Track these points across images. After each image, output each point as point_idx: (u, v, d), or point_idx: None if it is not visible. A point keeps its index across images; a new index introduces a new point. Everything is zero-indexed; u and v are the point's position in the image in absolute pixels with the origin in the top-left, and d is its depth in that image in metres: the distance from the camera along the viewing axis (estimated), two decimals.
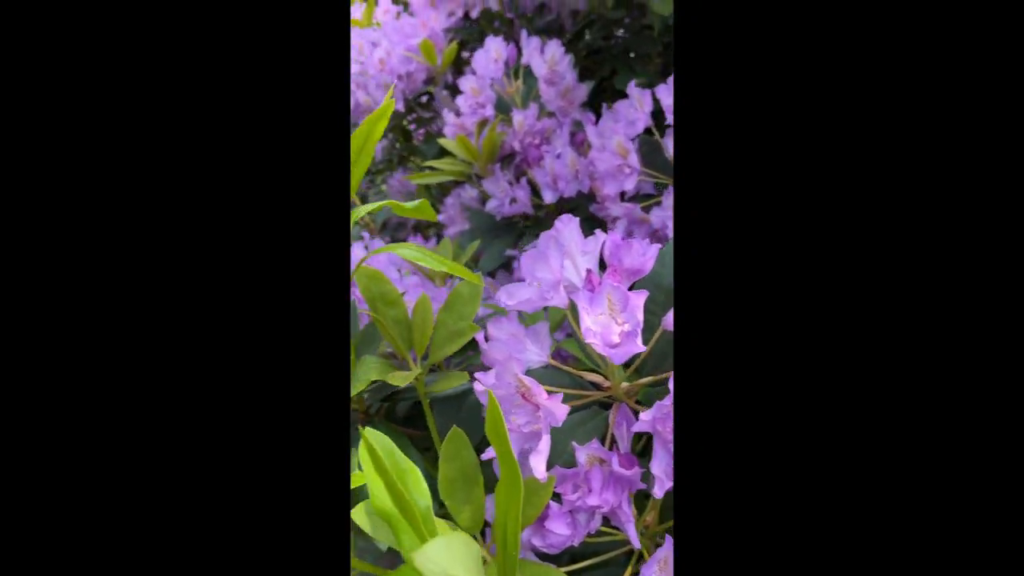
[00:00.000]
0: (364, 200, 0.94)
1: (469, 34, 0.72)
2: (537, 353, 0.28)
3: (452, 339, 0.29)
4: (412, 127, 0.82)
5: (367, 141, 0.23)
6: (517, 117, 0.51)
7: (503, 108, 0.56)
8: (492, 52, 0.53)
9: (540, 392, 0.22)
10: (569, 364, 0.30)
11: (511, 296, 0.25)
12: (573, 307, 0.26)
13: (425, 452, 0.36)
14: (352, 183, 0.25)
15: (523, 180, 0.52)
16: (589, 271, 0.25)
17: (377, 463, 0.16)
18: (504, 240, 0.56)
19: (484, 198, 0.64)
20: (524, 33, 0.55)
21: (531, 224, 0.55)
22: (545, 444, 0.22)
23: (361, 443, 0.19)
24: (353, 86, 0.71)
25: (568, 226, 0.27)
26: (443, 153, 0.63)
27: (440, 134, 0.77)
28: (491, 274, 0.57)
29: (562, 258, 0.25)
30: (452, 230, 0.71)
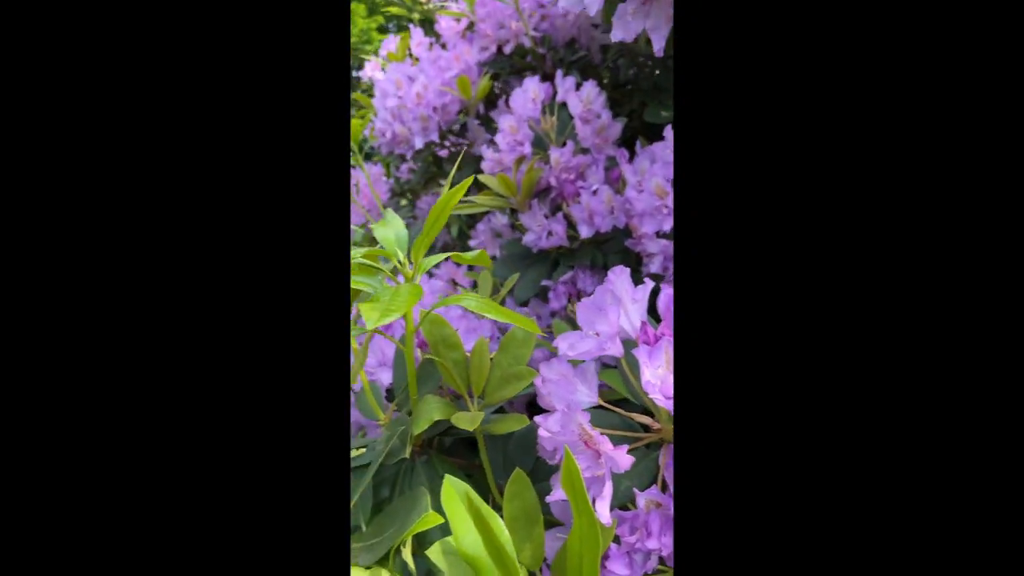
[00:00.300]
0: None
1: (501, 67, 0.74)
2: (587, 394, 0.30)
3: (509, 382, 0.30)
4: (444, 154, 0.85)
5: (443, 211, 0.25)
6: (554, 154, 0.53)
7: (540, 144, 0.58)
8: (530, 92, 0.56)
9: (604, 442, 0.23)
10: (603, 392, 0.32)
11: (572, 347, 0.27)
12: (628, 354, 0.28)
13: (467, 478, 0.38)
14: (425, 242, 0.27)
15: (559, 215, 0.54)
16: (644, 324, 0.27)
17: (473, 512, 0.18)
18: (538, 269, 0.58)
19: (516, 225, 0.66)
20: (560, 73, 0.57)
21: (565, 254, 0.57)
22: (608, 490, 0.23)
23: (445, 489, 0.21)
24: (391, 118, 0.74)
25: (620, 277, 0.29)
26: (479, 184, 0.66)
27: (471, 157, 0.79)
28: (524, 303, 0.59)
29: (618, 310, 0.27)
30: None
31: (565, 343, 0.27)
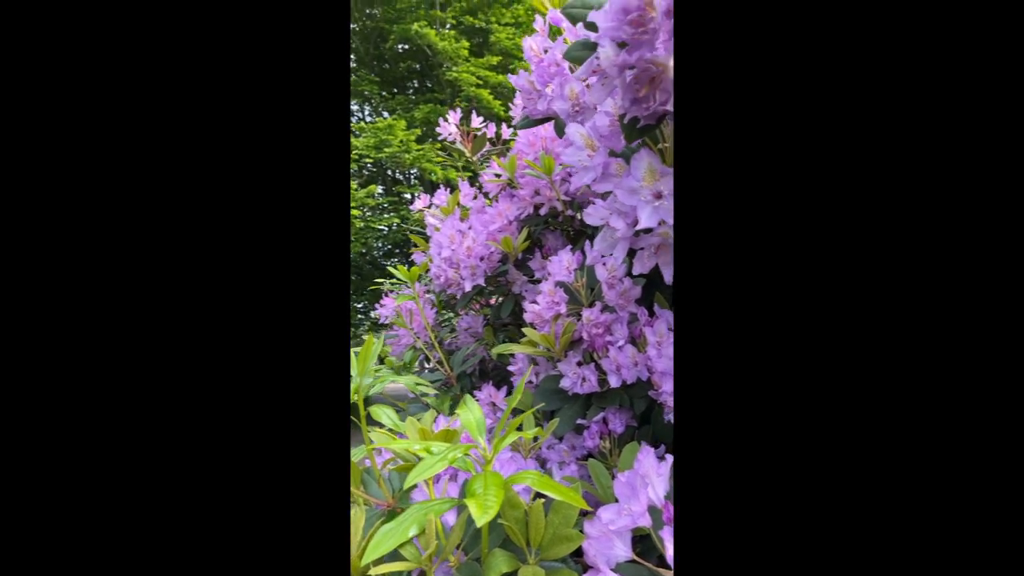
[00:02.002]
0: (441, 342, 1.08)
1: (536, 224, 0.89)
2: (623, 549, 0.37)
3: (561, 542, 0.38)
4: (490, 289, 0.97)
5: (514, 423, 0.35)
6: (585, 313, 0.64)
7: (573, 298, 0.70)
8: (564, 262, 0.68)
9: None
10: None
11: (612, 522, 0.35)
12: (655, 524, 0.36)
13: None
14: (505, 439, 0.37)
15: (592, 364, 0.64)
16: (667, 504, 0.35)
17: None
18: (574, 408, 0.67)
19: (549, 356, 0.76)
20: (588, 243, 0.70)
21: (597, 396, 0.66)
22: None
23: None
24: (445, 266, 0.88)
25: (647, 457, 0.38)
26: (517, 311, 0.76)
27: (511, 295, 0.92)
28: (560, 438, 0.68)
29: (647, 491, 0.35)
30: (518, 378, 0.83)
31: (607, 515, 0.35)
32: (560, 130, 0.56)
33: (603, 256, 0.67)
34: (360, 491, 0.49)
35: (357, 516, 0.38)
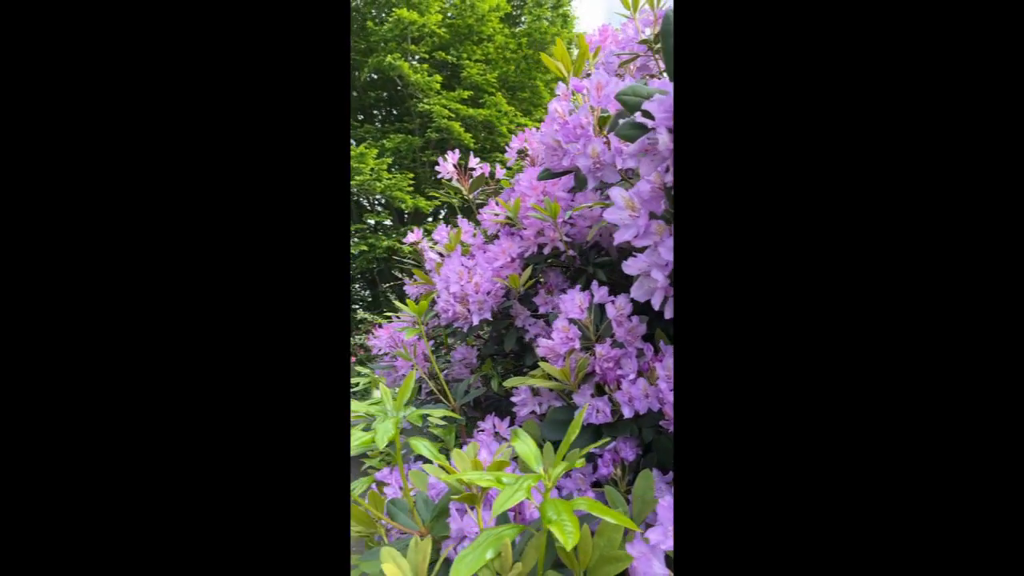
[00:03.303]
0: (433, 374, 1.10)
1: (539, 261, 0.95)
2: (660, 568, 0.42)
3: (610, 562, 0.42)
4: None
5: (563, 462, 0.39)
6: (598, 349, 0.70)
7: (583, 336, 0.75)
8: (576, 300, 0.74)
9: None
10: None
11: (662, 542, 0.39)
12: None
13: None
14: (557, 472, 0.41)
15: (604, 397, 0.69)
16: None
17: None
18: (584, 438, 0.71)
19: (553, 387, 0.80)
20: (595, 283, 0.76)
21: (607, 426, 0.70)
22: None
23: None
24: (453, 300, 0.91)
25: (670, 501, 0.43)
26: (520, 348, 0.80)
27: (515, 328, 0.96)
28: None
29: None
30: (523, 411, 0.87)
31: (655, 536, 0.40)
32: (581, 182, 0.62)
33: (611, 296, 0.73)
34: (387, 520, 0.51)
35: (423, 545, 0.41)
